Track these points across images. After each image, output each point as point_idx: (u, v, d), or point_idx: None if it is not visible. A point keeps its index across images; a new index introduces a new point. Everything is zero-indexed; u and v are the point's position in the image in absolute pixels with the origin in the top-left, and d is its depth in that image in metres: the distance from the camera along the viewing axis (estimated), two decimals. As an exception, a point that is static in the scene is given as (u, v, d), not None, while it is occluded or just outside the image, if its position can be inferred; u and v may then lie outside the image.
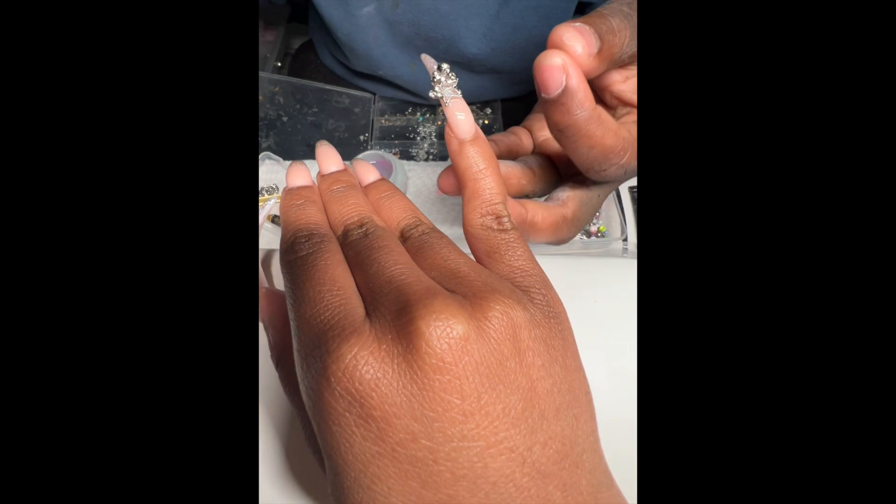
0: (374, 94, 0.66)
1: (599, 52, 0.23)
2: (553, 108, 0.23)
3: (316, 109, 0.65)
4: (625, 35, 0.24)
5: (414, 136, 0.64)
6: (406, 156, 0.62)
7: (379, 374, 0.16)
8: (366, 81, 0.66)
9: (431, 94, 0.24)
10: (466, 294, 0.17)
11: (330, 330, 0.17)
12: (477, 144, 0.23)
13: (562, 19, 0.53)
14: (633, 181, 0.53)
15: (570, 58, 0.22)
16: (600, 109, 0.24)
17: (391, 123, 0.65)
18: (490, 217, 0.22)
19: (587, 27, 0.23)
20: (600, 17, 0.24)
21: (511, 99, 0.67)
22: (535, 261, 0.21)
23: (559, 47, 0.23)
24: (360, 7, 0.55)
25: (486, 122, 0.66)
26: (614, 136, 0.24)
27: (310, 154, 0.61)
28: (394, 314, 0.17)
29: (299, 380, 0.18)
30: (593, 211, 0.30)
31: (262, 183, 0.52)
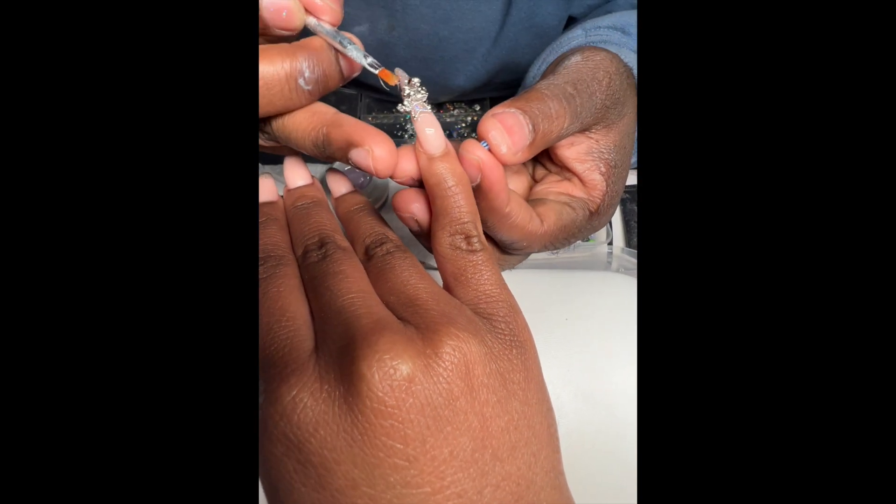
0: (360, 92, 0.65)
1: (532, 143, 0.23)
2: (475, 189, 0.23)
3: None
4: (563, 121, 0.24)
5: (402, 134, 0.63)
6: (393, 154, 0.61)
7: (318, 418, 0.15)
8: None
9: (400, 108, 0.24)
10: (420, 325, 0.17)
11: (273, 366, 0.16)
12: (447, 160, 0.22)
13: (553, 36, 0.52)
14: (631, 180, 0.52)
15: (489, 156, 0.22)
16: (514, 204, 0.24)
17: (378, 121, 0.64)
18: (459, 237, 0.21)
19: (521, 116, 0.22)
20: (539, 101, 0.23)
21: (499, 97, 0.66)
22: (504, 284, 0.21)
23: (485, 140, 0.23)
24: (352, 26, 0.53)
25: (475, 118, 0.65)
26: (520, 232, 0.24)
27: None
28: (339, 350, 0.16)
29: None
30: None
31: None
